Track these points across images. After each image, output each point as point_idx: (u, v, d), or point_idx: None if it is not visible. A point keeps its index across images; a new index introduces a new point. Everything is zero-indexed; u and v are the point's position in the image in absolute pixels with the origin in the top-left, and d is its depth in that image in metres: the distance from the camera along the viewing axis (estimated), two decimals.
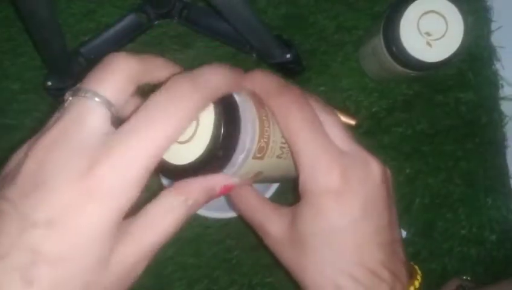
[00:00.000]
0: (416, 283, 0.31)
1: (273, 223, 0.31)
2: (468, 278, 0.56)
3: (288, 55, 0.51)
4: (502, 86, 0.58)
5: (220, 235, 0.56)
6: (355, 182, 0.28)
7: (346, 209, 0.28)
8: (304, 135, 0.29)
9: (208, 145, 0.25)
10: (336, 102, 0.55)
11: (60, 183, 0.21)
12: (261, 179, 0.32)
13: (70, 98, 0.24)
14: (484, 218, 0.57)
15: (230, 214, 0.51)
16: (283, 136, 0.30)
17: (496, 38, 0.58)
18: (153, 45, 0.56)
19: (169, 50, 0.56)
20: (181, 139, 0.26)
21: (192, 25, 0.54)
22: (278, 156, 0.31)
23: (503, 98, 0.58)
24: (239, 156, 0.27)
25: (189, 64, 0.59)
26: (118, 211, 0.22)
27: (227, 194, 0.31)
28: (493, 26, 0.58)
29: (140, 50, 0.56)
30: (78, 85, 0.24)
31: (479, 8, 0.57)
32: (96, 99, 0.23)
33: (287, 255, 0.31)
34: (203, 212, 0.51)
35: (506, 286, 0.53)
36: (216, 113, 0.26)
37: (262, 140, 0.29)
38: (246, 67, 0.59)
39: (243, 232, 0.56)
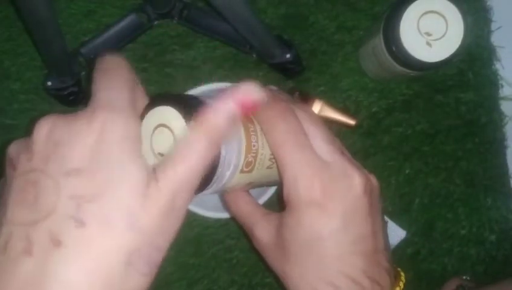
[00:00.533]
0: (397, 289, 0.31)
1: (261, 229, 0.33)
2: (468, 278, 0.56)
3: (288, 55, 0.51)
4: (502, 86, 0.58)
5: (219, 235, 0.56)
6: (336, 193, 0.30)
7: (326, 220, 0.29)
8: (287, 148, 0.30)
9: None
10: (335, 102, 0.55)
11: (74, 140, 0.24)
12: (254, 186, 0.33)
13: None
14: (484, 218, 0.57)
15: (230, 214, 0.52)
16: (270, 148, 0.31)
17: (495, 38, 0.58)
18: (152, 45, 0.56)
19: (169, 50, 0.56)
20: None
21: (192, 25, 0.54)
22: (268, 167, 0.33)
23: (503, 98, 0.58)
24: (226, 173, 0.29)
25: (189, 64, 0.59)
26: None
27: (222, 196, 0.34)
28: (493, 26, 0.58)
29: (141, 50, 0.56)
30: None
31: (479, 8, 0.57)
32: None
33: (273, 259, 0.32)
34: (203, 212, 0.51)
35: (506, 286, 0.53)
36: None
37: (249, 155, 0.30)
38: (245, 68, 0.60)
39: (242, 233, 0.56)
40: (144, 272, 0.24)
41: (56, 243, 0.22)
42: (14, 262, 0.22)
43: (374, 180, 0.32)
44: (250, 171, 0.31)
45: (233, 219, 0.54)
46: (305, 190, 0.29)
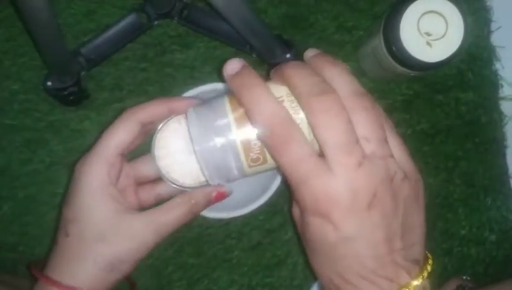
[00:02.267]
0: (420, 278, 0.31)
1: (294, 208, 0.34)
2: (468, 278, 0.56)
3: (288, 55, 0.51)
4: (502, 86, 0.58)
5: (220, 235, 0.56)
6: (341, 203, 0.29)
7: (331, 228, 0.29)
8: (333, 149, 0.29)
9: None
10: None
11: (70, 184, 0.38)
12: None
13: None
14: (484, 218, 0.57)
15: (231, 215, 0.51)
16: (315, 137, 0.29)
17: (495, 39, 0.58)
18: (153, 45, 0.56)
19: (169, 50, 0.56)
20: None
21: (192, 25, 0.54)
22: None
23: (503, 98, 0.58)
24: (233, 172, 0.33)
25: (189, 64, 0.59)
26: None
27: None
28: (493, 26, 0.58)
29: (141, 50, 0.56)
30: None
31: (479, 8, 0.58)
32: None
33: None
34: (203, 212, 0.51)
35: (506, 286, 0.53)
36: None
37: (251, 154, 0.31)
38: None
39: (243, 233, 0.56)
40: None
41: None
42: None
43: (399, 178, 0.30)
44: (263, 162, 0.32)
45: (233, 220, 0.54)
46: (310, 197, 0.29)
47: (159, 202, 0.39)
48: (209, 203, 0.39)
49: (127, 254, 0.36)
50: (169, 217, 0.37)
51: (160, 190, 0.41)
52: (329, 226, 0.29)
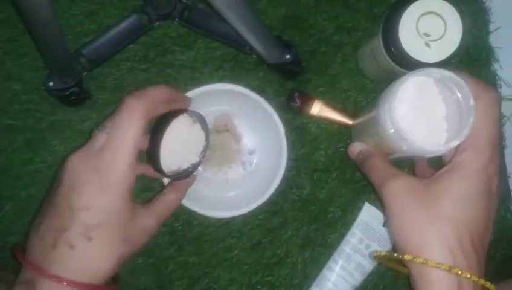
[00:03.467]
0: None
1: (405, 176, 0.40)
2: None
3: (287, 56, 0.51)
4: (501, 87, 0.58)
5: (220, 234, 0.56)
6: (497, 180, 0.39)
7: (484, 186, 0.38)
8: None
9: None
10: (335, 102, 0.56)
11: (87, 185, 0.38)
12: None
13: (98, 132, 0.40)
14: None
15: (231, 214, 0.52)
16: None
17: (494, 39, 0.58)
18: (153, 46, 0.56)
19: (170, 51, 0.56)
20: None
21: (193, 26, 0.55)
22: None
23: (501, 99, 0.58)
24: None
25: (190, 65, 0.60)
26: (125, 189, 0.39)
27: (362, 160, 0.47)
28: (492, 27, 0.58)
29: (142, 51, 0.56)
30: (105, 124, 0.40)
31: (478, 9, 0.58)
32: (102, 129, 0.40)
33: (415, 202, 0.38)
34: (203, 211, 0.51)
35: (505, 286, 0.53)
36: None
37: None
38: (246, 68, 0.60)
39: (243, 232, 0.56)
40: None
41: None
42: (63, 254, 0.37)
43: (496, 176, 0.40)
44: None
45: (233, 219, 0.55)
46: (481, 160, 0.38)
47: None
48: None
49: (140, 249, 0.41)
50: (170, 210, 0.44)
51: (144, 170, 0.46)
52: (485, 182, 0.39)
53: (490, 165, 0.38)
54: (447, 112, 0.42)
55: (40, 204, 0.38)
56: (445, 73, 0.40)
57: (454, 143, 0.39)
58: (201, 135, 0.47)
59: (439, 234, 0.37)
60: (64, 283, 0.36)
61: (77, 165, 0.39)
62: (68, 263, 0.37)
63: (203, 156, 0.48)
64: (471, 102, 0.39)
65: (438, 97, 0.42)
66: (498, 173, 0.39)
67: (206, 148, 0.48)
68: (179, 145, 0.45)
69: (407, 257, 0.37)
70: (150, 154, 0.43)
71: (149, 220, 0.42)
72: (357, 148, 0.49)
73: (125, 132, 0.38)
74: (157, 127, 0.43)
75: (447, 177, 0.39)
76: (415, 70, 0.41)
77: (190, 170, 0.47)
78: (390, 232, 0.41)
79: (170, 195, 0.45)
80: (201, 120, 0.47)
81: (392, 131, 0.40)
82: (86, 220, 0.37)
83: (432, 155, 0.41)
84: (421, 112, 0.42)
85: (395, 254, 0.38)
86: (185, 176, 0.47)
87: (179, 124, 0.44)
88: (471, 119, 0.39)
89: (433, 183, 0.39)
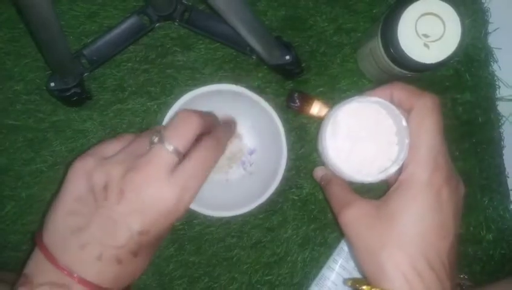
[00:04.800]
0: None
1: (358, 203, 0.40)
2: (466, 276, 0.56)
3: (287, 57, 0.52)
4: (499, 87, 0.58)
5: (220, 233, 0.56)
6: (448, 188, 0.38)
7: (432, 199, 0.37)
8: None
9: None
10: (334, 103, 0.56)
11: (152, 212, 0.37)
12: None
13: (156, 143, 0.37)
14: (481, 217, 0.57)
15: (231, 214, 0.52)
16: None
17: (492, 40, 0.58)
18: (154, 46, 0.56)
19: (171, 52, 0.56)
20: None
21: (193, 27, 0.55)
22: None
23: (500, 99, 0.58)
24: None
25: (190, 66, 0.60)
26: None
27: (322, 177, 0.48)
28: (490, 27, 0.58)
29: (142, 52, 0.56)
30: (162, 133, 0.37)
31: (476, 9, 0.58)
32: (172, 150, 0.37)
33: (367, 230, 0.39)
34: (204, 211, 0.51)
35: (503, 285, 0.53)
36: None
37: None
38: (246, 69, 0.60)
39: (243, 231, 0.56)
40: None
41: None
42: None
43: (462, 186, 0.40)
44: None
45: (234, 218, 0.55)
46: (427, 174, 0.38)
47: None
48: None
49: None
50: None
51: None
52: (436, 199, 0.38)
53: (435, 176, 0.37)
54: (386, 136, 0.43)
55: (64, 201, 0.37)
56: (371, 99, 0.41)
57: (392, 169, 0.40)
58: None
59: (392, 262, 0.36)
60: None
61: (145, 187, 0.37)
62: (110, 275, 0.37)
63: None
64: (404, 123, 0.40)
65: (376, 121, 0.43)
66: (448, 179, 0.38)
67: None
68: None
69: (366, 288, 0.37)
70: None
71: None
72: (319, 173, 0.49)
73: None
74: None
75: (395, 198, 0.38)
76: (343, 101, 0.43)
77: None
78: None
79: None
80: None
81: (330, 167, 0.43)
82: (142, 242, 0.37)
83: (373, 182, 0.42)
84: (360, 139, 0.43)
85: (357, 285, 0.38)
86: None
87: None
88: (406, 141, 0.39)
89: (383, 206, 0.39)
